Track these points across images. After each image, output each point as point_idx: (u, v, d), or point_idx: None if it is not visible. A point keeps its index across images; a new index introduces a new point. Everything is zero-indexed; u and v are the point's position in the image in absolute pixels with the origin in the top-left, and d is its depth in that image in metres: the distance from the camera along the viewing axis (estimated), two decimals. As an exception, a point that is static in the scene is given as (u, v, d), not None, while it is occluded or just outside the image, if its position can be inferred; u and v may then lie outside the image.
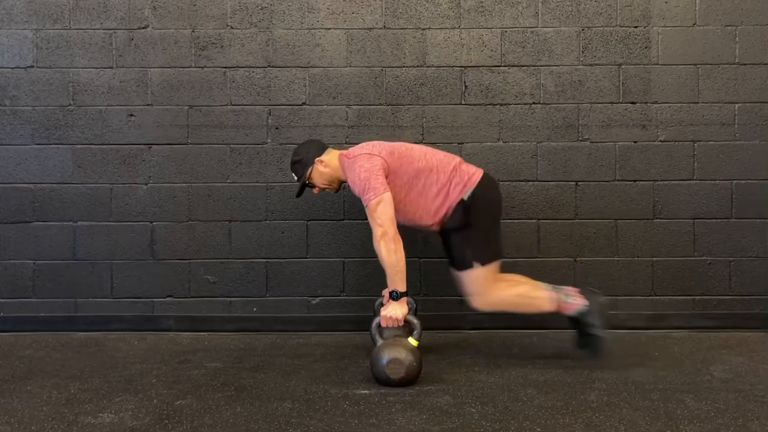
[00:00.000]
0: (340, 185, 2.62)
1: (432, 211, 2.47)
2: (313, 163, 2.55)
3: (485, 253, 2.45)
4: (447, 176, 2.46)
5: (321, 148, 2.60)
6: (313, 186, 2.62)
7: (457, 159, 2.56)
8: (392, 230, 2.33)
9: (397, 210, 2.42)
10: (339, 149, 2.64)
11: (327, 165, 2.55)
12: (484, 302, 2.46)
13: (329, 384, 2.30)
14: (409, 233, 2.55)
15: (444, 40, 3.03)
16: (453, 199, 2.44)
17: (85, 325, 3.03)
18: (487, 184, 2.51)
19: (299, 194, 2.64)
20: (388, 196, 2.35)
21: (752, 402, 2.11)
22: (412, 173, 2.46)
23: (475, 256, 2.44)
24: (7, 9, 3.02)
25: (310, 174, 2.57)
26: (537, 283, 2.54)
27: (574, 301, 2.45)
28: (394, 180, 2.43)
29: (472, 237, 2.45)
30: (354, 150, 2.54)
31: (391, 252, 2.31)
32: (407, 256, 2.39)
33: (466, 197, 2.44)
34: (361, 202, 2.59)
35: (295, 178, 2.62)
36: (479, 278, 2.44)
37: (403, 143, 2.60)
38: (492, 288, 2.46)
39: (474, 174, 2.50)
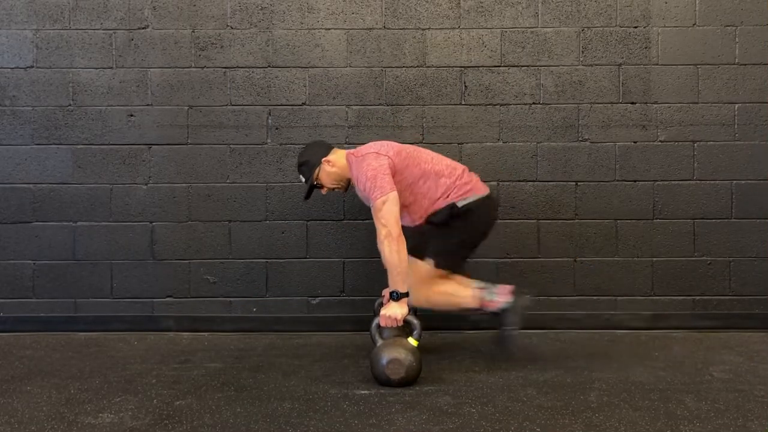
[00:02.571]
0: (349, 184, 2.61)
1: (425, 211, 2.49)
2: (320, 163, 2.55)
3: (444, 258, 2.48)
4: (451, 181, 2.47)
5: (327, 149, 2.60)
6: (321, 187, 2.61)
7: (464, 167, 2.56)
8: (396, 230, 2.33)
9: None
10: (343, 149, 2.64)
11: (334, 165, 2.55)
12: (414, 297, 2.44)
13: (329, 384, 2.30)
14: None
15: (444, 40, 3.03)
16: (450, 200, 2.46)
17: (85, 325, 3.03)
18: (487, 204, 2.52)
19: (307, 196, 2.64)
20: (394, 196, 2.36)
21: (752, 402, 2.11)
22: (418, 174, 2.47)
23: (434, 253, 2.46)
24: (7, 9, 3.02)
25: (317, 175, 2.57)
26: (465, 281, 2.54)
27: (497, 298, 2.47)
28: (399, 180, 2.44)
29: (444, 238, 2.47)
30: (362, 149, 2.55)
31: (393, 252, 2.31)
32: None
33: (460, 204, 2.45)
34: (361, 202, 2.60)
35: (303, 180, 2.62)
36: (422, 273, 2.46)
37: (410, 145, 2.61)
38: (425, 286, 2.47)
39: (478, 187, 2.52)
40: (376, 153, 2.45)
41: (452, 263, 2.51)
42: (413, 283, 2.44)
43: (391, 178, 2.39)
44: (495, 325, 2.52)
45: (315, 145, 2.65)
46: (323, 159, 2.55)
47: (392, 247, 2.31)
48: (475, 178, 2.55)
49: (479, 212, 2.50)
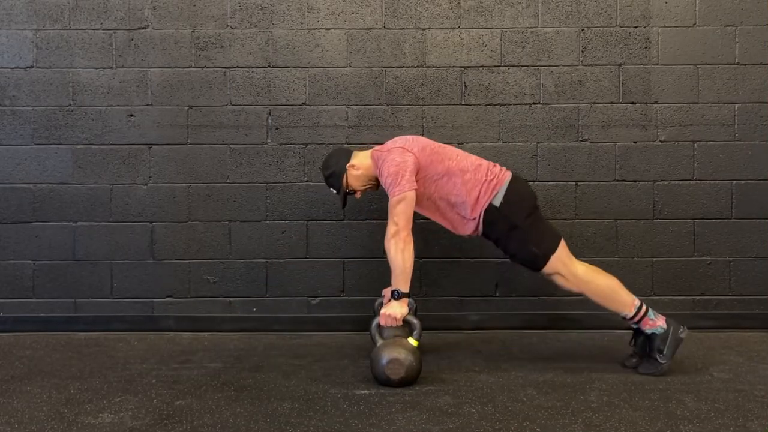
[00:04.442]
0: (378, 182, 2.57)
1: (465, 214, 2.45)
2: (345, 170, 2.54)
3: (548, 244, 2.42)
4: (477, 178, 2.44)
5: (348, 154, 2.59)
6: (354, 192, 2.59)
7: (489, 163, 2.52)
8: (405, 231, 2.34)
9: (423, 206, 2.45)
10: (365, 150, 2.61)
11: (359, 167, 2.54)
12: (575, 280, 2.41)
13: (329, 384, 2.30)
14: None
15: (444, 40, 3.03)
16: (483, 203, 2.41)
17: (85, 325, 3.03)
18: (515, 184, 2.47)
19: (344, 205, 2.62)
20: (411, 196, 2.35)
21: (752, 402, 2.11)
22: (442, 171, 2.44)
23: (542, 250, 2.41)
24: (7, 9, 3.02)
25: (346, 182, 2.55)
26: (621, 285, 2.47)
27: (657, 321, 2.39)
28: (424, 176, 2.43)
29: (527, 236, 2.42)
30: (388, 144, 2.54)
31: (399, 251, 2.31)
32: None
33: (496, 202, 2.41)
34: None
35: (334, 191, 2.60)
36: (557, 263, 2.41)
37: (437, 142, 2.58)
38: (574, 265, 2.42)
39: (502, 177, 2.47)
40: (402, 148, 2.44)
41: (552, 236, 2.44)
42: (567, 272, 2.40)
43: (413, 176, 2.38)
44: (642, 345, 2.44)
45: (336, 154, 2.62)
46: (347, 165, 2.54)
47: (398, 246, 2.32)
48: (498, 170, 2.50)
49: (516, 194, 2.44)
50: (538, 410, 2.04)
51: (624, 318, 2.43)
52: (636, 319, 2.40)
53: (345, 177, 2.54)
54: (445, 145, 2.58)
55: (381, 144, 2.59)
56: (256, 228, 3.06)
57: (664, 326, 2.38)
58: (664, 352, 2.37)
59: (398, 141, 2.53)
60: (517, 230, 2.41)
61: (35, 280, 3.06)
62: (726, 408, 2.06)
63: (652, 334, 2.39)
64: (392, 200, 2.36)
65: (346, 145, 3.00)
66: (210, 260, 3.06)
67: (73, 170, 3.04)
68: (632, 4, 3.02)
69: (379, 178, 2.51)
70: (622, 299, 2.42)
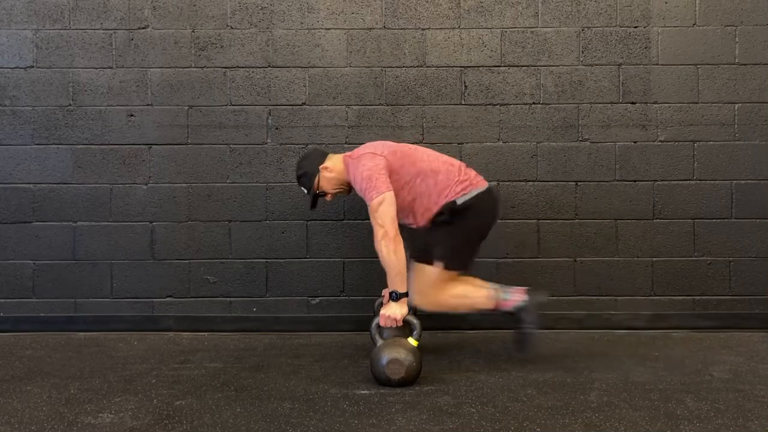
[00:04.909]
0: (350, 187, 2.60)
1: (428, 211, 2.47)
2: (318, 171, 2.55)
3: (453, 259, 2.45)
4: (449, 178, 2.46)
5: (322, 156, 2.60)
6: (324, 194, 2.60)
7: (461, 164, 2.56)
8: (393, 230, 2.33)
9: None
10: (338, 153, 2.63)
11: (332, 170, 2.55)
12: (427, 302, 2.46)
13: (329, 384, 2.30)
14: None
15: (444, 40, 3.03)
16: (448, 198, 2.44)
17: (85, 325, 3.03)
18: (486, 198, 2.51)
19: (313, 206, 2.63)
20: (390, 196, 2.36)
21: (752, 402, 2.11)
22: (414, 173, 2.46)
23: (443, 255, 2.44)
24: (7, 9, 3.02)
25: (318, 184, 2.56)
26: (477, 282, 2.54)
27: (512, 297, 2.47)
28: (396, 179, 2.44)
29: (449, 238, 2.46)
30: (358, 150, 2.55)
31: (391, 252, 2.31)
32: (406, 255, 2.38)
33: (459, 201, 2.44)
34: (361, 202, 2.59)
35: (305, 191, 2.61)
36: (432, 278, 2.44)
37: (407, 144, 2.60)
38: (438, 291, 2.45)
39: (476, 182, 2.50)
40: (372, 153, 2.45)
41: (461, 262, 2.50)
42: (425, 288, 2.43)
43: (387, 177, 2.39)
44: (511, 325, 2.51)
45: (311, 155, 2.64)
46: (320, 167, 2.55)
47: (390, 247, 2.31)
48: (472, 174, 2.54)
49: (480, 207, 2.49)
50: (538, 410, 2.04)
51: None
52: (497, 308, 2.48)
53: (317, 178, 2.55)
54: (416, 146, 2.60)
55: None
56: (256, 228, 3.06)
57: (524, 298, 2.46)
58: (528, 321, 2.44)
59: (368, 147, 2.53)
60: (454, 229, 2.44)
61: (35, 280, 3.06)
62: (726, 408, 2.06)
63: (517, 310, 2.46)
64: (372, 204, 2.35)
65: (347, 145, 3.00)
66: (210, 260, 3.06)
67: (73, 170, 3.04)
68: (632, 4, 3.03)
69: (352, 185, 2.52)
70: (478, 302, 2.48)
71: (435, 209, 2.46)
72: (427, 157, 2.52)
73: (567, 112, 3.04)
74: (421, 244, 2.50)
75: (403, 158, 2.47)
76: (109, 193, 3.05)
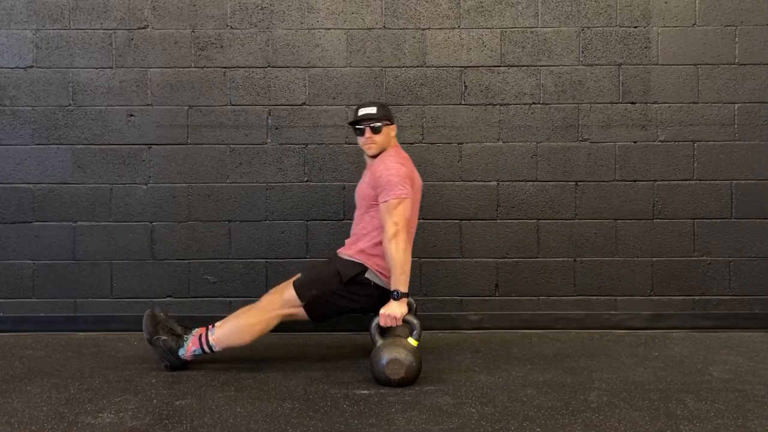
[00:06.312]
0: (372, 158, 2.53)
1: (361, 246, 2.47)
2: (393, 123, 2.55)
3: (305, 290, 2.42)
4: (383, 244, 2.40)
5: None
6: (372, 133, 2.48)
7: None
8: (405, 231, 2.36)
9: (362, 208, 2.50)
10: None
11: (391, 138, 2.53)
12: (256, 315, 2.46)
13: (329, 384, 2.30)
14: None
15: (444, 40, 3.03)
16: (368, 262, 2.44)
17: (85, 325, 3.03)
18: (378, 298, 2.44)
19: (358, 123, 2.51)
20: (409, 202, 2.39)
21: (752, 402, 2.11)
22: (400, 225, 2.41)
23: (301, 279, 2.46)
24: (7, 9, 3.02)
25: (384, 126, 2.49)
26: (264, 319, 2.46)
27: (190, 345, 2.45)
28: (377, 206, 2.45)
29: (329, 287, 2.43)
30: (403, 153, 2.56)
31: (400, 251, 2.32)
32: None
33: (368, 275, 2.43)
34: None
35: (374, 112, 2.48)
36: (283, 294, 2.44)
37: (416, 199, 2.55)
38: (270, 315, 2.43)
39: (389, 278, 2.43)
40: (407, 173, 2.45)
41: (318, 312, 2.45)
42: (263, 306, 2.44)
43: (411, 190, 2.41)
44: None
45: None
46: (395, 126, 2.58)
47: (400, 246, 2.32)
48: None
49: (368, 297, 2.45)
50: (538, 410, 2.05)
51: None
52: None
53: (389, 124, 2.52)
54: (417, 200, 2.56)
55: None
56: (256, 228, 3.06)
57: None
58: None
59: (408, 165, 2.52)
60: (330, 275, 2.44)
61: (35, 280, 3.06)
62: (726, 408, 2.06)
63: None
64: (392, 201, 2.35)
65: (346, 145, 3.00)
66: (210, 260, 3.06)
67: (73, 170, 3.04)
68: (632, 4, 3.03)
69: (376, 167, 2.46)
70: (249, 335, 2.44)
71: (357, 256, 2.45)
72: (411, 227, 2.49)
73: (567, 112, 3.04)
74: (309, 269, 2.53)
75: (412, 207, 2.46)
76: (109, 193, 3.05)
